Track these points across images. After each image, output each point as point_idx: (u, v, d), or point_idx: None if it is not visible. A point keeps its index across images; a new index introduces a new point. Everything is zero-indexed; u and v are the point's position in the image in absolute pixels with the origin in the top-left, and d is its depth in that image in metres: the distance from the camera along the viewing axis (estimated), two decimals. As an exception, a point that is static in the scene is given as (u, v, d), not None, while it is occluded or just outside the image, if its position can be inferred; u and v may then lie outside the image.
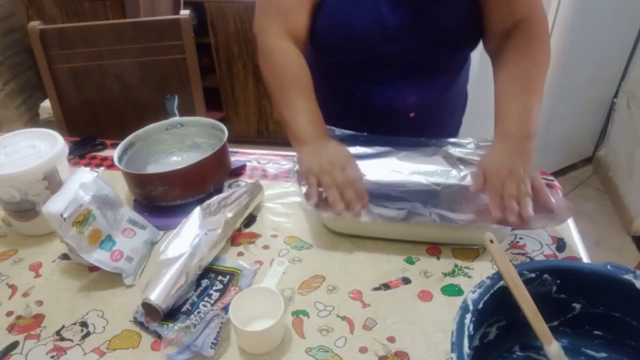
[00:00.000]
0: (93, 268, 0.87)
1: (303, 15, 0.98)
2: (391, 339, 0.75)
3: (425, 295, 0.81)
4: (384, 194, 0.92)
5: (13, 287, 0.85)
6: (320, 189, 0.86)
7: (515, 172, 0.83)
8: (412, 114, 1.09)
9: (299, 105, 0.95)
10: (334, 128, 1.09)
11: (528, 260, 0.87)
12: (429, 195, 0.92)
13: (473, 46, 1.05)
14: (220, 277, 0.84)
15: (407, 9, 0.96)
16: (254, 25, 1.02)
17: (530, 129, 0.88)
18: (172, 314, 0.78)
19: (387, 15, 0.96)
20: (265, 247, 0.92)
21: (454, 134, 1.23)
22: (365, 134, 1.08)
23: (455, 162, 0.99)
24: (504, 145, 0.88)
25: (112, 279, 0.85)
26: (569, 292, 0.70)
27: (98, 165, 1.16)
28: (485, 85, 1.80)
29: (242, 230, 0.96)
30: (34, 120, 2.63)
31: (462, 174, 0.96)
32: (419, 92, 1.07)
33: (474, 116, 1.33)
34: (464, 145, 1.04)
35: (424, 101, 1.08)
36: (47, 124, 2.17)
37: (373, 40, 0.98)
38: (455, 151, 1.01)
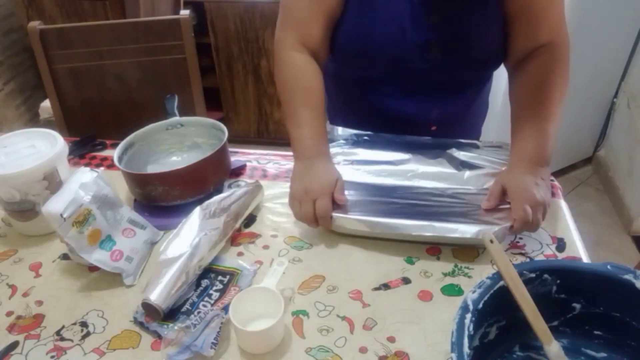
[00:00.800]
0: (93, 268, 0.87)
1: (317, 28, 0.96)
2: (391, 339, 0.75)
3: (425, 295, 0.81)
4: (381, 200, 0.93)
5: (13, 287, 0.85)
6: None
7: (541, 203, 0.84)
8: (433, 127, 1.09)
9: (303, 119, 0.96)
10: (339, 127, 1.09)
11: (528, 260, 0.87)
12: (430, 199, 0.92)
13: (498, 64, 1.03)
14: (220, 277, 0.84)
15: (431, 26, 0.94)
16: (275, 36, 1.02)
17: (548, 156, 0.90)
18: (172, 314, 0.78)
19: (410, 32, 0.94)
20: (265, 247, 0.92)
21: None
22: (369, 132, 1.08)
23: (459, 165, 0.99)
24: (526, 169, 0.89)
25: (112, 279, 0.85)
26: (569, 292, 0.70)
27: (98, 165, 1.16)
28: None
29: (242, 230, 0.96)
30: (34, 120, 2.63)
31: (466, 176, 0.96)
32: (442, 106, 1.06)
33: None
34: (469, 146, 1.04)
35: (446, 115, 1.08)
36: (47, 124, 2.17)
37: (395, 56, 0.97)
38: (460, 155, 1.01)
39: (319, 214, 0.87)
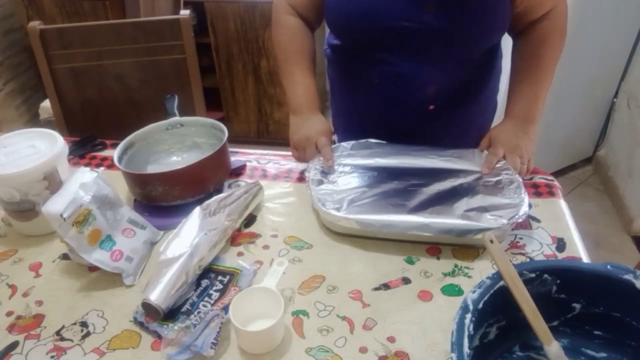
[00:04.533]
0: (93, 268, 0.87)
1: None
2: (391, 339, 0.75)
3: (425, 295, 0.81)
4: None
5: (13, 287, 0.85)
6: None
7: (518, 148, 1.00)
8: (431, 107, 1.07)
9: (297, 78, 1.07)
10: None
11: (528, 260, 0.87)
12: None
13: (496, 35, 1.01)
14: (220, 277, 0.84)
15: None
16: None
17: (536, 115, 1.03)
18: (172, 314, 0.78)
19: None
20: (265, 247, 0.92)
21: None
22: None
23: (456, 172, 0.99)
24: (513, 124, 1.03)
25: (112, 279, 0.85)
26: (569, 292, 0.70)
27: (98, 165, 1.16)
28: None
29: (242, 230, 0.96)
30: (34, 120, 2.63)
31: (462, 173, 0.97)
32: (439, 81, 1.04)
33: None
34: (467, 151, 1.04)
35: (444, 94, 1.06)
36: (47, 124, 2.17)
37: (386, 14, 0.94)
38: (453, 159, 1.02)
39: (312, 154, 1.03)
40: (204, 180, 1.00)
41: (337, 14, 1.00)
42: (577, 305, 0.71)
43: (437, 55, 1.00)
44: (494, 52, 1.09)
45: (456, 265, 0.86)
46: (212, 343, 0.71)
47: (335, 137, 1.22)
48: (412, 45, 0.98)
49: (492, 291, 0.65)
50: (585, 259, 0.87)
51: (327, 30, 1.12)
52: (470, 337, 0.60)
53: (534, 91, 1.02)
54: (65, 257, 0.90)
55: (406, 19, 0.94)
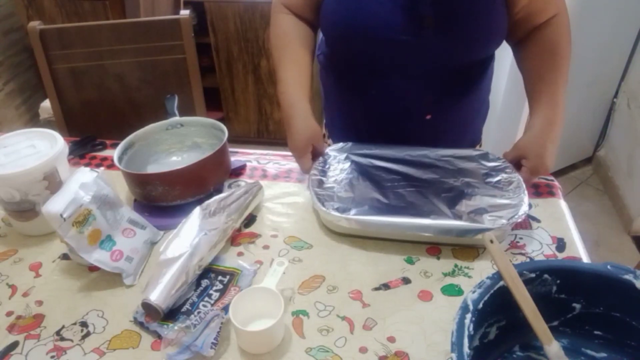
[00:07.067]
0: (93, 268, 0.87)
1: None
2: (391, 339, 0.75)
3: (425, 295, 0.81)
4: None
5: (13, 287, 0.85)
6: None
7: (547, 170, 0.97)
8: (428, 116, 1.08)
9: (281, 75, 1.04)
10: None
11: (528, 260, 0.87)
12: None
13: (495, 45, 1.01)
14: (220, 277, 0.84)
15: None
16: None
17: (562, 120, 1.00)
18: (172, 314, 0.78)
19: (403, 3, 0.92)
20: (265, 247, 0.92)
21: (474, 144, 1.21)
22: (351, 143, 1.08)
23: (455, 172, 0.98)
24: (543, 135, 0.98)
25: (112, 279, 0.85)
26: (569, 292, 0.70)
27: (98, 165, 1.16)
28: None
29: (242, 230, 0.96)
30: (34, 120, 2.64)
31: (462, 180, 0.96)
32: (437, 92, 1.05)
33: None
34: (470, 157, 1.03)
35: (441, 103, 1.06)
36: (47, 124, 2.17)
37: (385, 27, 0.94)
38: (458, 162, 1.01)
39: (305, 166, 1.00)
40: (204, 180, 1.00)
41: (335, 22, 0.99)
42: (577, 305, 0.71)
43: (434, 68, 1.01)
44: (489, 58, 1.09)
45: (456, 265, 0.86)
46: (212, 343, 0.71)
47: (329, 141, 1.22)
48: (410, 58, 0.98)
49: (492, 291, 0.65)
50: (585, 259, 0.87)
51: (321, 36, 1.12)
52: (470, 337, 0.60)
53: (555, 97, 0.99)
54: (65, 257, 0.90)
55: (405, 33, 0.94)
